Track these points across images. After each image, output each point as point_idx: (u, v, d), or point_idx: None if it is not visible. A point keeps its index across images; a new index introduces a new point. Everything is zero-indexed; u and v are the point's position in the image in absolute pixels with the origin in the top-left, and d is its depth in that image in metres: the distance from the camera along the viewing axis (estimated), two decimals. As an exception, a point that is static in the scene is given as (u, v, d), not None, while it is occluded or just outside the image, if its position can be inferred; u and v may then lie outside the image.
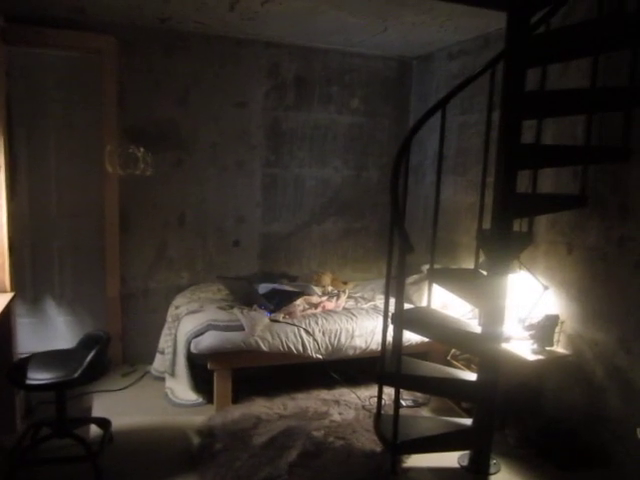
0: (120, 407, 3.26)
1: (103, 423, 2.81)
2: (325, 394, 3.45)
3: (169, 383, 3.45)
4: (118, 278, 3.89)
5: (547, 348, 2.84)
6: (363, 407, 3.28)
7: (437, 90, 4.19)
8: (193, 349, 3.17)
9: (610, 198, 2.64)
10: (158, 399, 3.38)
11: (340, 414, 3.16)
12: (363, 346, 3.40)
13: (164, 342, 3.65)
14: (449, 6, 3.01)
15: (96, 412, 3.17)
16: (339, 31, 3.73)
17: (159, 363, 3.68)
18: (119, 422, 2.96)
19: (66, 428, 2.60)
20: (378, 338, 3.30)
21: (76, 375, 2.39)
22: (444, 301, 3.46)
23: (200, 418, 3.10)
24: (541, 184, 2.89)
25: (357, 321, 3.44)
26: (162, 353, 3.65)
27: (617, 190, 2.61)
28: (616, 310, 2.63)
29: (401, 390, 2.61)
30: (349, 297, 3.93)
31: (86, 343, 2.70)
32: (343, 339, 3.36)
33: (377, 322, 3.43)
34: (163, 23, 3.64)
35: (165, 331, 3.70)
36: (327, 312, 3.54)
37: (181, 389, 3.36)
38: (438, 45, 4.04)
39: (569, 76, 2.84)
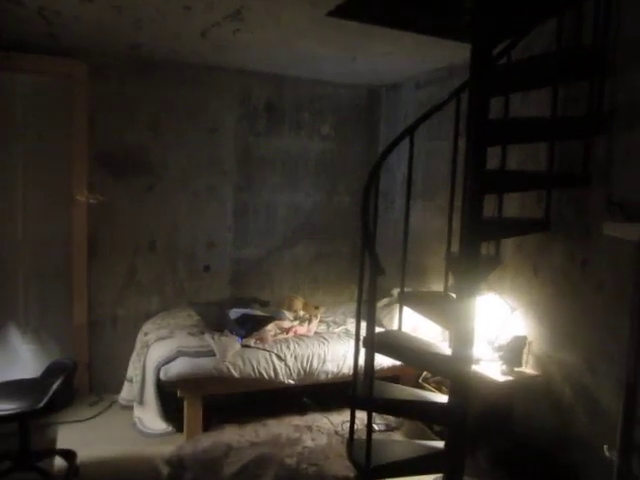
0: (86, 438, 3.17)
1: (68, 455, 2.73)
2: (297, 420, 3.41)
3: (137, 412, 3.37)
4: (86, 305, 3.81)
5: (516, 369, 2.88)
6: (336, 432, 3.25)
7: (406, 117, 4.29)
8: (162, 376, 3.12)
9: (573, 222, 2.73)
10: (126, 429, 3.30)
11: (313, 440, 3.13)
12: (335, 370, 3.40)
13: (132, 370, 3.58)
14: (416, 37, 3.11)
15: (61, 444, 3.07)
16: (309, 60, 3.80)
17: (127, 392, 3.60)
18: (85, 454, 2.87)
19: (29, 461, 2.52)
20: (350, 362, 3.29)
21: (41, 405, 2.33)
22: (415, 324, 3.49)
23: (169, 448, 3.02)
24: (507, 208, 2.97)
25: (329, 345, 3.44)
26: (130, 381, 3.58)
27: (580, 214, 2.70)
28: (581, 331, 2.70)
29: (374, 414, 2.61)
30: (321, 321, 3.93)
31: (51, 372, 2.64)
32: (315, 364, 3.35)
33: (349, 346, 3.43)
34: (134, 49, 3.66)
35: (134, 358, 3.63)
36: (299, 337, 3.53)
37: (150, 418, 3.29)
38: (406, 74, 4.16)
39: (531, 104, 2.95)
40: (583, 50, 2.32)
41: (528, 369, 2.95)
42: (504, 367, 2.88)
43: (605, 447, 2.25)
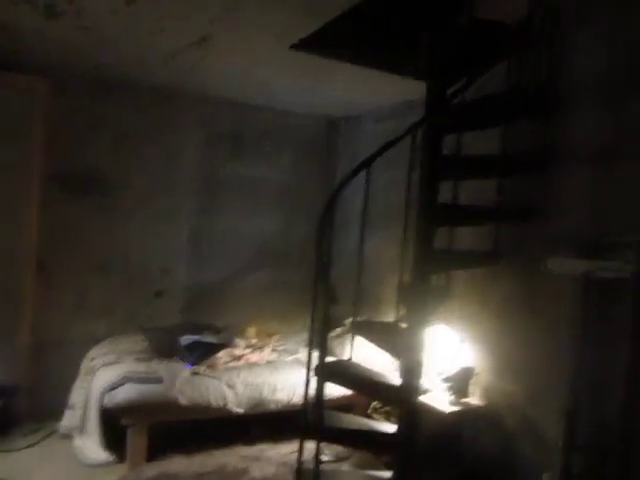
0: (24, 468, 3.03)
1: (2, 485, 2.60)
2: (246, 450, 3.35)
3: (79, 441, 3.24)
4: (31, 326, 3.67)
5: (463, 400, 2.93)
6: (284, 463, 3.21)
7: (364, 149, 4.38)
8: (108, 403, 3.02)
9: (520, 256, 2.84)
10: (66, 458, 3.16)
11: (260, 470, 3.08)
12: (286, 400, 3.37)
13: (75, 397, 3.44)
14: (374, 73, 3.22)
15: (-5, 473, 2.92)
16: (272, 89, 3.87)
17: (69, 420, 3.45)
18: (21, 484, 2.74)
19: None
20: (301, 391, 3.27)
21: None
22: (367, 354, 3.51)
23: (112, 478, 2.91)
24: (458, 241, 3.05)
25: (280, 374, 3.41)
26: (72, 409, 3.43)
27: (526, 248, 2.81)
28: (525, 361, 2.78)
29: (323, 444, 2.60)
30: (274, 350, 3.90)
31: (-11, 396, 2.53)
32: (265, 392, 3.31)
33: (300, 375, 3.39)
34: (99, 69, 3.64)
35: (77, 385, 3.50)
36: (250, 365, 3.50)
37: (91, 447, 3.17)
38: (365, 107, 4.28)
39: (482, 139, 3.07)
40: (528, 92, 2.45)
41: (475, 399, 3.01)
42: (452, 397, 2.92)
43: (545, 476, 2.30)
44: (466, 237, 3.15)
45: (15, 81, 3.54)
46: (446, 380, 2.98)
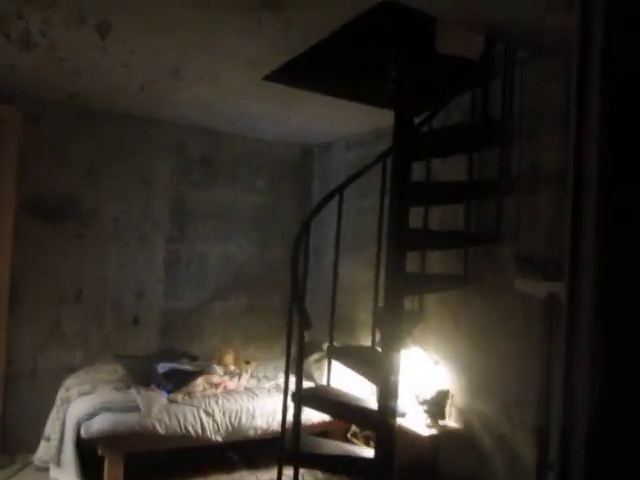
0: (-6, 503, 2.96)
1: (-28, 522, 2.54)
2: (224, 478, 3.33)
3: (54, 473, 3.17)
4: (3, 355, 3.61)
5: (440, 422, 2.97)
6: (263, 490, 3.19)
7: (337, 175, 4.47)
8: (83, 433, 2.98)
9: (489, 277, 2.92)
10: (40, 492, 3.10)
11: (239, 499, 3.06)
12: (265, 426, 3.36)
13: (51, 427, 3.39)
14: (345, 103, 3.32)
15: (-35, 510, 2.85)
16: (246, 117, 3.95)
17: (44, 451, 3.38)
18: (-8, 520, 2.68)
19: None
20: (280, 417, 3.28)
21: (-55, 466, 2.18)
22: (346, 378, 3.53)
23: (87, 510, 2.88)
24: (430, 264, 3.12)
25: (258, 400, 3.41)
26: (47, 440, 3.37)
27: (494, 270, 2.89)
28: (498, 381, 2.83)
29: (302, 470, 2.60)
30: (251, 376, 3.90)
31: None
32: (244, 419, 3.30)
33: (279, 401, 3.38)
34: (72, 99, 3.67)
35: (53, 415, 3.44)
36: (228, 392, 3.49)
37: (67, 479, 3.11)
38: (337, 135, 4.38)
39: (450, 166, 3.17)
40: (490, 122, 2.56)
41: (451, 421, 3.05)
42: (429, 420, 2.96)
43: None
44: (437, 260, 3.22)
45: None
46: (422, 403, 3.01)
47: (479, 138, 2.56)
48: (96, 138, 3.92)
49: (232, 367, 4.03)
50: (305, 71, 2.87)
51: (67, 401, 3.30)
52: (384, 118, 3.50)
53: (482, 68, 2.48)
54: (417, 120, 2.58)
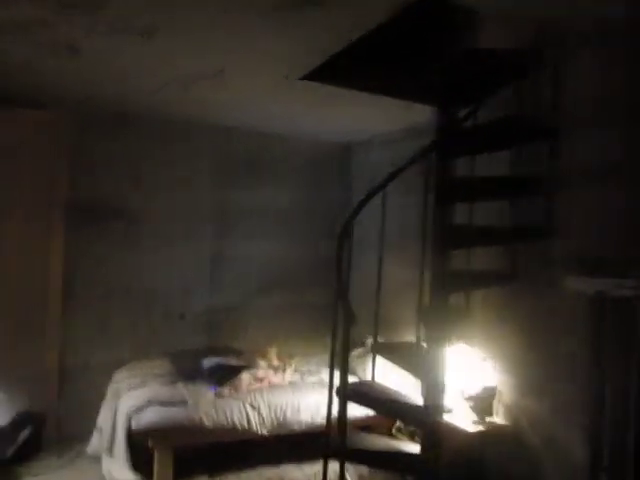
0: (53, 491, 3.09)
1: (34, 509, 2.66)
2: (270, 471, 3.38)
3: (106, 463, 3.30)
4: (57, 352, 3.77)
5: (487, 419, 2.93)
6: (309, 484, 3.23)
7: (376, 173, 4.44)
8: (134, 426, 3.08)
9: (538, 274, 2.85)
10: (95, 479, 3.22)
11: (285, 492, 3.11)
12: (309, 420, 3.39)
13: (103, 420, 3.51)
14: (384, 99, 3.29)
15: (27, 497, 2.98)
16: (285, 117, 3.98)
17: (96, 442, 3.52)
18: (51, 507, 2.80)
19: (-7, 515, 2.45)
20: (324, 412, 3.30)
21: (7, 455, 2.30)
22: (388, 374, 3.53)
23: (139, 500, 2.97)
24: (476, 260, 3.07)
25: (303, 395, 3.45)
26: (100, 431, 3.50)
27: (543, 267, 2.82)
28: (548, 380, 2.77)
29: (347, 464, 2.61)
30: (295, 371, 3.94)
31: (20, 421, 2.60)
32: (289, 413, 3.35)
33: (323, 396, 3.42)
34: (117, 102, 3.76)
35: (104, 408, 3.57)
36: (273, 386, 3.53)
37: (119, 469, 3.22)
38: (377, 132, 4.36)
39: (496, 162, 3.11)
40: (540, 114, 2.50)
41: (498, 419, 3.00)
42: (475, 417, 2.92)
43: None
44: (483, 257, 3.17)
45: (37, 117, 3.68)
46: (469, 399, 2.98)
47: (527, 131, 2.50)
48: (140, 140, 4.03)
49: (276, 362, 4.08)
50: (345, 68, 2.85)
51: (117, 394, 3.42)
52: (424, 114, 3.47)
53: (531, 58, 2.42)
54: (460, 115, 2.54)
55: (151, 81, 3.26)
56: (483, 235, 2.73)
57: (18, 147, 3.73)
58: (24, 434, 2.39)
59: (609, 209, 2.48)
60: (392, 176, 2.59)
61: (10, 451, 2.31)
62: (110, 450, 3.29)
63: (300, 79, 2.98)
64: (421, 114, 3.41)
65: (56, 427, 3.74)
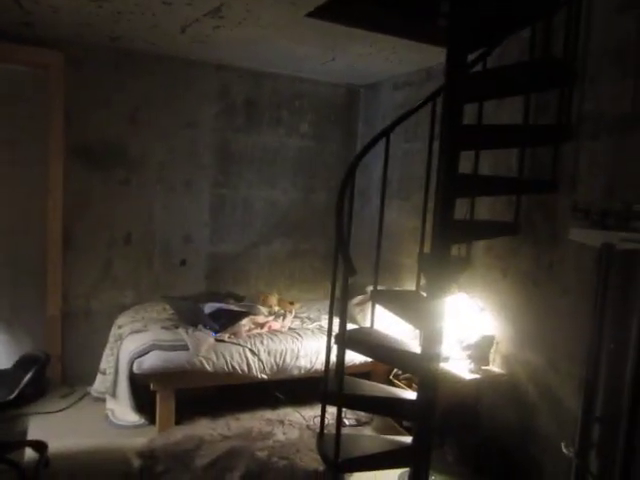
0: (58, 429, 3.16)
1: (39, 446, 2.73)
2: (269, 414, 3.46)
3: (110, 404, 3.38)
4: (59, 296, 3.79)
5: (483, 367, 2.97)
6: (307, 427, 3.31)
7: (383, 117, 4.34)
8: (136, 369, 3.13)
9: (541, 226, 2.82)
10: (98, 421, 3.30)
11: (284, 434, 3.18)
12: (308, 366, 3.44)
13: (106, 362, 3.58)
14: (393, 40, 3.16)
15: (32, 435, 3.06)
16: (289, 58, 3.83)
17: (100, 384, 3.60)
18: (56, 445, 2.87)
19: (-1, 452, 2.52)
20: (323, 358, 3.34)
21: (12, 397, 2.33)
22: (388, 321, 3.55)
23: (141, 440, 3.04)
24: (479, 211, 3.04)
25: (302, 341, 3.48)
26: (103, 373, 3.58)
27: (547, 219, 2.79)
28: (546, 332, 2.79)
29: (344, 409, 2.66)
30: (295, 317, 3.97)
31: (23, 364, 2.63)
32: (288, 359, 3.39)
33: (322, 342, 3.47)
34: (113, 41, 3.64)
35: (107, 351, 3.63)
36: (273, 332, 3.57)
37: (122, 410, 3.30)
38: (384, 75, 4.21)
39: (504, 110, 3.02)
40: (553, 61, 2.39)
41: (495, 367, 3.04)
42: (472, 365, 2.96)
43: (562, 444, 2.34)
44: (486, 207, 3.13)
45: (30, 55, 3.55)
46: (466, 348, 3.01)
47: (539, 78, 2.39)
48: (139, 81, 3.90)
49: (276, 308, 4.11)
50: (351, 6, 2.72)
51: (120, 338, 3.46)
52: (435, 56, 3.34)
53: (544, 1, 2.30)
54: (470, 58, 2.44)
55: (147, 19, 3.13)
56: (489, 185, 2.67)
57: (10, 86, 3.62)
58: (28, 376, 2.41)
59: (617, 161, 2.41)
60: (398, 121, 2.52)
61: (14, 393, 2.33)
62: (113, 391, 3.36)
63: (307, 15, 2.84)
64: (434, 56, 3.29)
65: (59, 369, 3.81)
